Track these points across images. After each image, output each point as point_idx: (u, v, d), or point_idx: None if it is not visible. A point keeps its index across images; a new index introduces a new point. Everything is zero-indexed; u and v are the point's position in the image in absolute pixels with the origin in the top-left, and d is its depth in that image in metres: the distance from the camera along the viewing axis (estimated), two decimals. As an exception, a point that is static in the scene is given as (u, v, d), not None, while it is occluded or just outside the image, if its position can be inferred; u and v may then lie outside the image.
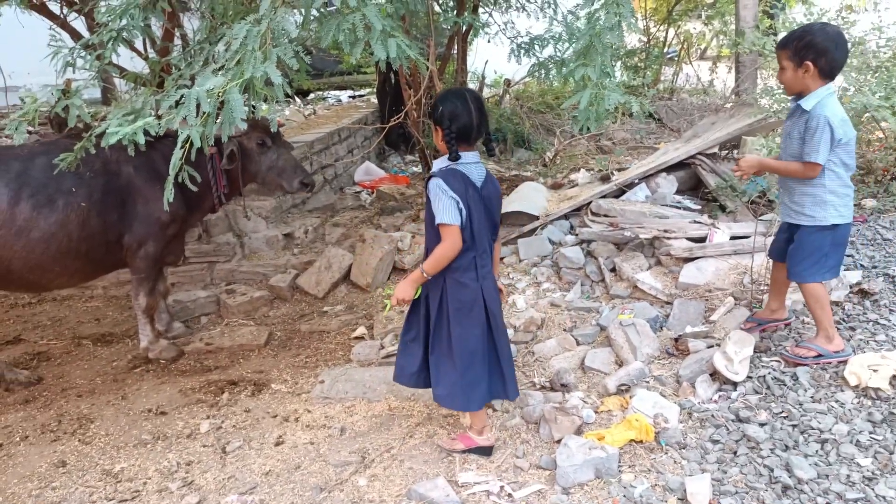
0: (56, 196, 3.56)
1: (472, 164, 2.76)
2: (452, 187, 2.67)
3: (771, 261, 3.42)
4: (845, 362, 3.02)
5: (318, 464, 2.96)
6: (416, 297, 2.84)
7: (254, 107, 2.74)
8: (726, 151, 5.90)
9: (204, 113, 2.30)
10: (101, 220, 3.69)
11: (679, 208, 5.15)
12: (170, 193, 2.80)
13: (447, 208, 2.65)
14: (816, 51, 2.89)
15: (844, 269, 3.84)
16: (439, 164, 2.78)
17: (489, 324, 2.82)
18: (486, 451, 2.93)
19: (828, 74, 2.93)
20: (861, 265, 3.98)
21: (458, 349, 2.79)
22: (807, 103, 2.94)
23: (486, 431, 2.96)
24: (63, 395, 3.75)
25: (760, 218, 4.62)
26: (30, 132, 3.63)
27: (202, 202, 4.08)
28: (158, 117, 2.45)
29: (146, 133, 2.45)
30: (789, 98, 3.18)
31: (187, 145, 2.45)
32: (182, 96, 2.29)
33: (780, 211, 3.26)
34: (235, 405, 3.54)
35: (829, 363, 3.08)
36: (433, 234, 2.78)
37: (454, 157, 2.70)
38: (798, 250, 3.09)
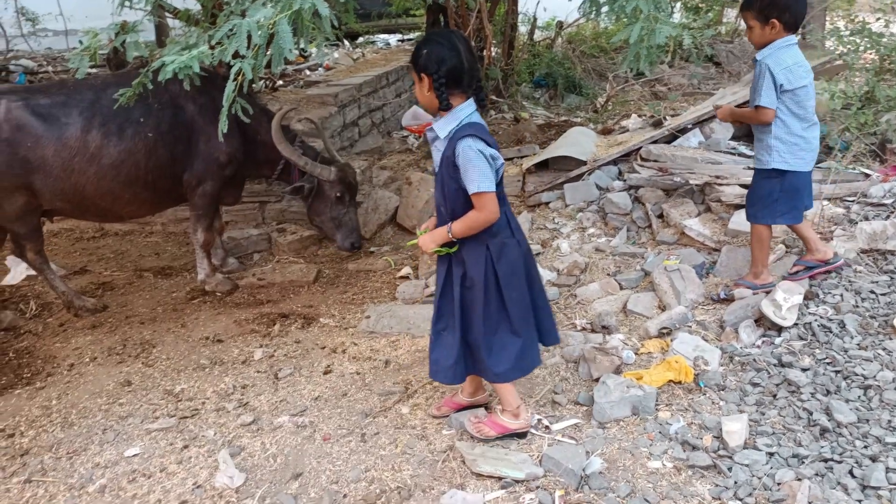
0: (125, 125, 3.73)
1: (475, 112, 2.46)
2: (487, 142, 2.39)
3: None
4: (769, 292, 3.21)
5: (363, 392, 3.10)
6: (443, 251, 2.55)
7: (303, 48, 2.76)
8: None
9: (255, 45, 2.35)
10: (167, 152, 3.86)
11: (733, 154, 5.01)
12: (224, 125, 2.89)
13: (485, 171, 2.36)
14: (779, 8, 3.06)
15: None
16: (445, 123, 2.43)
17: (527, 276, 2.61)
18: (521, 436, 2.66)
19: (792, 27, 3.11)
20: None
21: (515, 313, 2.55)
22: (760, 54, 3.15)
23: (521, 413, 2.66)
24: (127, 322, 3.98)
25: (817, 166, 4.47)
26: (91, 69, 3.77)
27: (262, 164, 4.23)
28: (212, 48, 2.50)
29: (209, 75, 2.51)
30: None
31: (240, 78, 2.51)
32: (234, 27, 2.34)
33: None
34: (286, 336, 3.70)
35: (757, 293, 3.32)
36: (454, 200, 2.46)
37: (445, 107, 2.41)
38: (751, 192, 3.35)
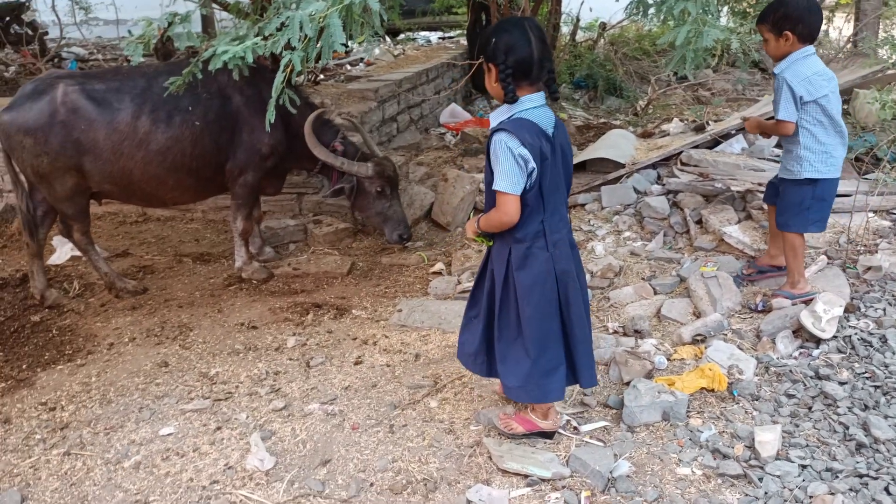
0: (174, 113, 3.83)
1: (540, 106, 2.33)
2: (523, 141, 2.25)
3: (767, 206, 3.66)
4: (809, 301, 3.20)
5: (393, 384, 3.13)
6: (478, 241, 2.53)
7: (350, 38, 2.79)
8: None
9: (305, 36, 2.39)
10: (212, 141, 3.94)
11: (777, 162, 4.91)
12: (272, 115, 2.93)
13: (509, 172, 2.26)
14: (792, 20, 3.11)
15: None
16: (499, 115, 2.35)
17: (560, 299, 2.43)
18: (548, 436, 2.63)
19: (807, 39, 3.15)
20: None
21: (529, 333, 2.42)
22: (778, 67, 3.19)
23: (550, 414, 2.60)
24: (165, 304, 4.08)
25: (864, 177, 4.36)
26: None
27: (303, 158, 4.26)
28: (265, 38, 2.55)
29: (257, 67, 2.55)
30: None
31: (288, 70, 2.56)
32: (287, 18, 2.39)
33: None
34: (319, 325, 3.75)
35: (795, 303, 3.29)
36: (489, 192, 2.42)
37: (511, 99, 2.29)
38: (782, 202, 3.36)
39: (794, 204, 3.28)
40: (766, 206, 3.77)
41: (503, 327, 2.51)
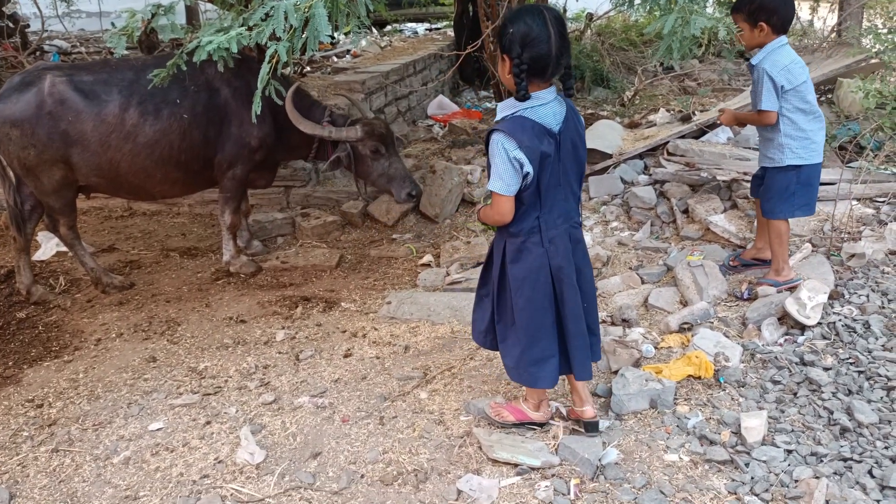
0: (162, 106, 3.80)
1: (548, 104, 2.26)
2: (520, 143, 2.20)
3: (754, 198, 3.69)
4: (794, 288, 3.26)
5: (382, 376, 3.13)
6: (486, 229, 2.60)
7: (336, 29, 2.78)
8: (818, 95, 5.57)
9: (291, 27, 2.38)
10: (200, 134, 3.91)
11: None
12: (258, 106, 2.91)
13: (503, 174, 2.24)
14: (767, 11, 3.18)
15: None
16: (506, 108, 2.29)
17: (555, 293, 2.43)
18: (539, 427, 2.65)
19: (780, 29, 3.22)
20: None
21: (520, 322, 2.46)
22: (755, 58, 3.25)
23: (542, 406, 2.64)
24: (153, 300, 4.06)
25: (848, 165, 4.41)
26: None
27: (296, 147, 4.23)
28: (250, 29, 2.54)
29: (244, 59, 2.52)
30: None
31: (274, 61, 2.54)
32: (271, 9, 2.37)
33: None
34: (308, 319, 3.75)
35: (780, 290, 3.34)
36: None
37: (522, 98, 2.21)
38: (767, 189, 3.39)
39: (780, 190, 3.33)
40: (751, 199, 3.83)
41: (502, 311, 2.55)
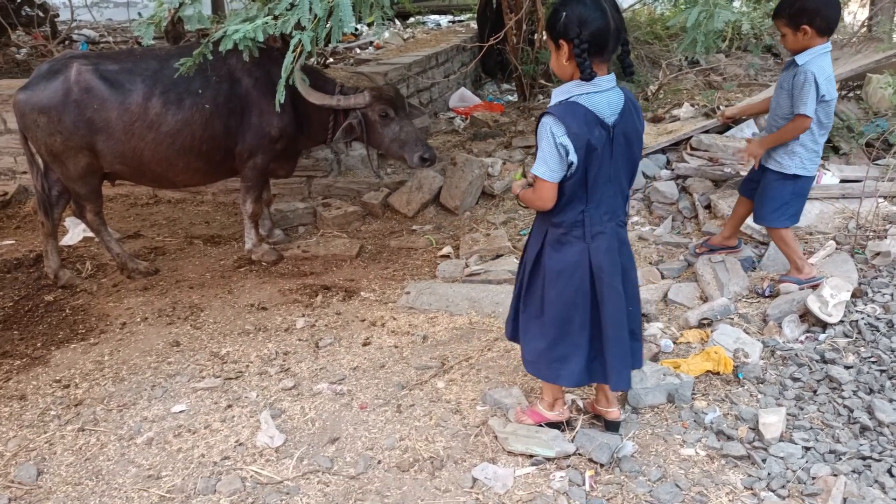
0: (184, 96, 3.85)
1: (605, 91, 2.16)
2: (569, 129, 2.13)
3: (740, 196, 3.70)
4: (817, 286, 3.22)
5: (400, 365, 3.16)
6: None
7: (360, 19, 2.80)
8: (846, 91, 5.49)
9: (315, 17, 2.40)
10: (221, 124, 3.96)
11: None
12: (281, 95, 2.94)
13: (548, 159, 2.17)
14: (809, 13, 3.05)
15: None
16: (561, 93, 2.21)
17: (594, 292, 2.32)
18: (557, 427, 2.60)
19: (825, 32, 3.08)
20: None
21: (549, 316, 2.37)
22: (801, 58, 3.12)
23: (557, 406, 2.59)
24: (177, 285, 4.13)
25: (875, 162, 4.34)
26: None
27: (315, 132, 4.25)
28: (275, 18, 2.56)
29: (266, 49, 2.53)
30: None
31: (299, 50, 2.57)
32: (297, -1, 2.40)
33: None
34: (328, 307, 3.79)
35: (803, 288, 3.32)
36: None
37: (589, 76, 2.10)
38: (762, 195, 3.37)
39: (775, 199, 3.32)
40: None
41: (529, 302, 2.47)
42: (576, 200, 2.25)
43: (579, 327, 2.35)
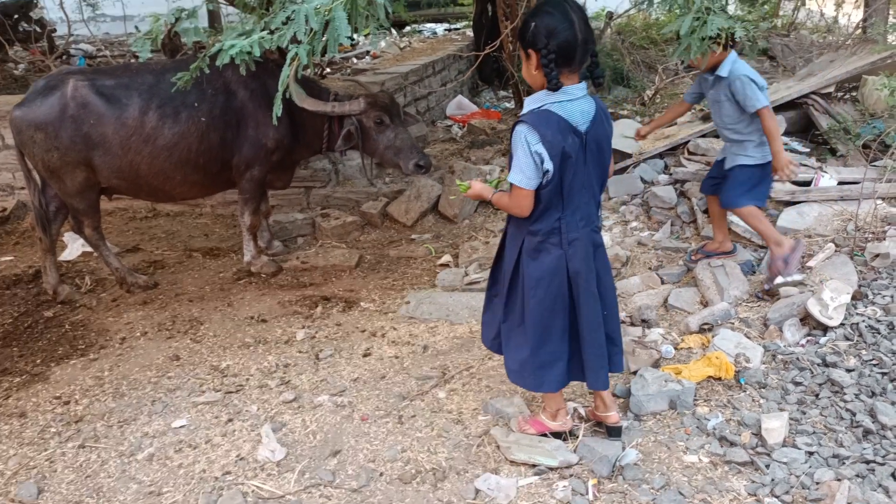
0: (180, 109, 3.86)
1: (576, 100, 2.22)
2: (543, 138, 2.17)
3: (706, 196, 3.89)
4: (802, 252, 3.40)
5: (401, 375, 3.16)
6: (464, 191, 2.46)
7: (356, 31, 2.80)
8: (841, 93, 5.49)
9: (311, 30, 2.41)
10: (218, 137, 3.96)
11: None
12: (279, 108, 2.94)
13: (522, 166, 2.21)
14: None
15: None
16: (533, 101, 2.26)
17: (572, 296, 2.38)
18: (558, 437, 2.60)
19: (731, 47, 3.38)
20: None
21: (530, 323, 2.40)
22: (723, 70, 3.39)
23: (560, 416, 2.59)
24: (176, 299, 4.12)
25: (873, 164, 4.34)
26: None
27: (310, 141, 4.26)
28: (271, 32, 2.57)
29: (264, 60, 2.54)
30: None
31: (295, 63, 2.58)
32: (293, 12, 2.41)
33: (725, 153, 3.65)
34: (328, 318, 3.78)
35: (789, 262, 3.39)
36: None
37: (555, 86, 2.16)
38: (735, 182, 3.52)
39: (745, 181, 3.49)
40: (703, 196, 4.02)
41: (510, 311, 2.50)
42: (552, 208, 2.30)
43: (560, 333, 2.41)
